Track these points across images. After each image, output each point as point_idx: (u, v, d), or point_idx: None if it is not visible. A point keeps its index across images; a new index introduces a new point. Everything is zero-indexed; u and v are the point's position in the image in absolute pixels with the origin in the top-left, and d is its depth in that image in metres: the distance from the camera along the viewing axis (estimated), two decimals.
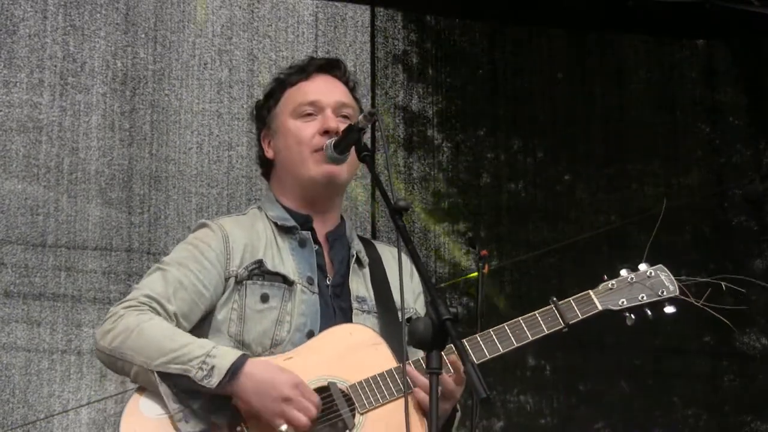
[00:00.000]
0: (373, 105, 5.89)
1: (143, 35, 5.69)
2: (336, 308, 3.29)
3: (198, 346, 3.06)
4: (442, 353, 2.77)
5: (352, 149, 3.17)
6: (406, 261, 3.17)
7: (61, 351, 5.34)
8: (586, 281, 6.30)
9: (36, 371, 5.30)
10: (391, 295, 3.33)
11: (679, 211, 6.42)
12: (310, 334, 3.20)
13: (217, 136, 5.73)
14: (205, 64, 5.77)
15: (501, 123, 6.44)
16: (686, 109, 6.63)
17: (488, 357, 3.20)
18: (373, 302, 3.33)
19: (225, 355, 3.03)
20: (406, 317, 3.26)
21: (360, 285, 3.36)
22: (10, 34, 5.49)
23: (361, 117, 3.14)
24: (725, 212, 6.61)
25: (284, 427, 3.01)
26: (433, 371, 2.63)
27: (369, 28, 6.02)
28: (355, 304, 3.31)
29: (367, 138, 3.22)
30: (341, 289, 3.32)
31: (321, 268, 3.33)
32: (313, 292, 3.26)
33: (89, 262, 5.45)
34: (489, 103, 6.42)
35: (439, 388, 2.91)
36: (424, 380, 3.04)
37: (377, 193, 5.55)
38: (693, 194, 6.50)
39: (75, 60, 5.58)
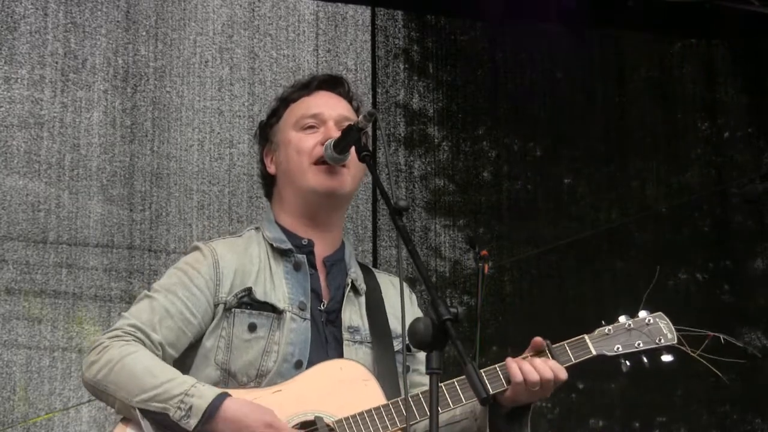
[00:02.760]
0: (374, 104, 5.89)
1: (144, 32, 5.70)
2: (328, 336, 3.25)
3: (178, 383, 3.02)
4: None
5: (353, 153, 3.15)
6: (405, 289, 3.16)
7: (62, 348, 5.35)
8: (586, 280, 6.37)
9: (37, 369, 5.31)
10: (387, 324, 3.29)
11: (679, 210, 6.43)
12: (299, 365, 3.16)
13: (218, 133, 5.73)
14: (206, 62, 5.77)
15: (501, 122, 6.44)
16: (686, 108, 6.63)
17: (473, 400, 3.13)
18: (367, 332, 3.28)
19: (203, 394, 3.00)
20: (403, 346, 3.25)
21: (354, 314, 3.30)
22: (11, 31, 5.50)
23: (361, 117, 3.12)
24: (725, 211, 6.61)
25: None
26: (433, 371, 2.61)
27: (369, 27, 6.03)
28: (346, 335, 3.25)
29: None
30: (336, 316, 3.27)
31: (316, 293, 3.27)
32: (304, 318, 3.21)
33: (90, 259, 5.45)
34: (489, 102, 6.41)
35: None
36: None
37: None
38: (692, 193, 6.50)
39: (76, 57, 5.59)
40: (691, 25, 6.31)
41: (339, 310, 3.28)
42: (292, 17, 5.89)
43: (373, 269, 3.50)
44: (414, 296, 3.45)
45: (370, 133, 3.30)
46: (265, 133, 3.46)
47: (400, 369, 3.23)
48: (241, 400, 3.03)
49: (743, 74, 6.66)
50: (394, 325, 3.28)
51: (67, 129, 5.51)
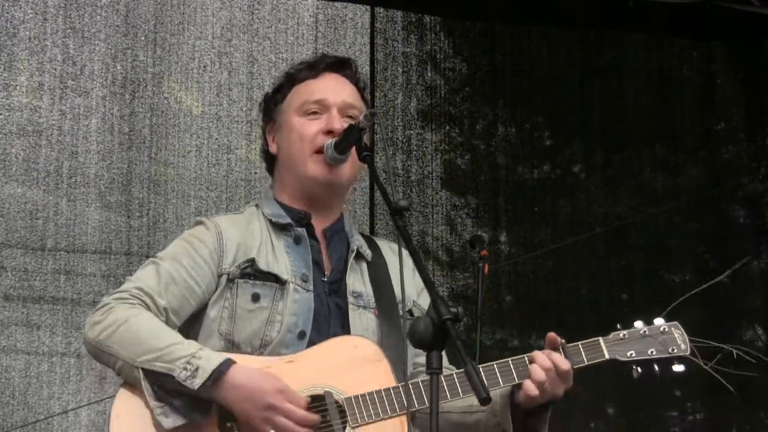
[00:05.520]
0: (372, 107, 5.88)
1: (143, 38, 5.69)
2: (331, 305, 3.27)
3: (184, 346, 3.04)
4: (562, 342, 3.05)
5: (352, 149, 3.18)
6: (408, 258, 3.16)
7: (60, 354, 5.34)
8: (584, 281, 6.36)
9: (36, 374, 5.30)
10: (393, 290, 3.30)
11: (679, 210, 6.43)
12: (302, 335, 3.18)
13: (216, 139, 5.73)
14: (204, 67, 5.76)
15: (500, 124, 6.45)
16: (686, 108, 6.64)
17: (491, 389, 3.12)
18: (371, 297, 3.31)
19: (210, 357, 3.01)
20: (407, 309, 3.25)
21: (357, 280, 3.33)
22: (10, 37, 5.49)
23: (361, 117, 3.15)
24: (725, 211, 6.62)
25: None
26: (433, 371, 2.60)
27: (369, 30, 6.02)
28: (350, 299, 3.27)
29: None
30: (339, 285, 3.30)
31: (318, 265, 3.30)
32: (307, 290, 3.24)
33: (88, 265, 5.45)
34: (488, 104, 6.42)
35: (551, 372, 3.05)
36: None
37: (377, 194, 5.58)
38: (693, 193, 6.50)
39: (75, 63, 5.58)
40: (691, 25, 6.31)
41: (342, 278, 3.30)
42: (291, 20, 5.88)
43: (374, 238, 3.54)
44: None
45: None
46: (269, 110, 3.48)
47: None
48: (247, 368, 3.04)
49: (743, 74, 6.66)
50: (398, 291, 3.26)
51: (65, 136, 5.50)
